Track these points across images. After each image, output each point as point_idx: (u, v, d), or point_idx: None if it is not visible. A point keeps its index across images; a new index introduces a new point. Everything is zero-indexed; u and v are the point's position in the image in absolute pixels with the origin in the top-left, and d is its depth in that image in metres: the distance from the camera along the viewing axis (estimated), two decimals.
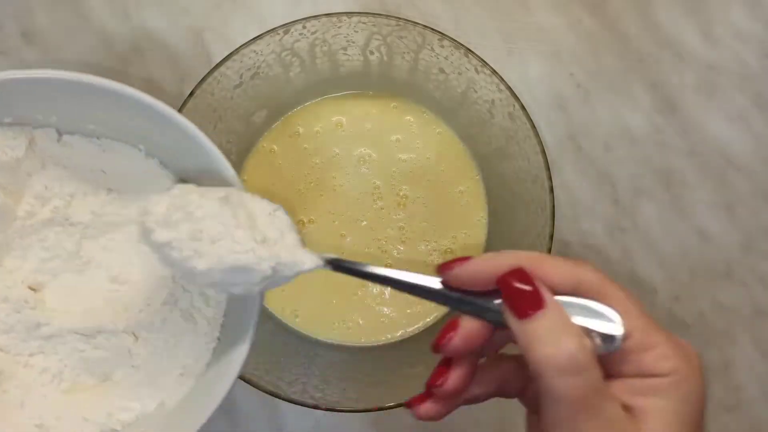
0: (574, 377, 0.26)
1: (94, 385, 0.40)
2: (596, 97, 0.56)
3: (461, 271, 0.29)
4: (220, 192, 0.33)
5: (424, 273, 0.30)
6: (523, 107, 0.47)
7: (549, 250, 0.45)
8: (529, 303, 0.27)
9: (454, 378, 0.31)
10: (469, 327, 0.29)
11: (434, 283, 0.30)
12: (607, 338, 0.27)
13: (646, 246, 0.54)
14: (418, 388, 0.45)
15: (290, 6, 0.56)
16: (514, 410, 0.53)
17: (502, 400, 0.53)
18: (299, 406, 0.45)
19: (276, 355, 0.49)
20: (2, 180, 0.39)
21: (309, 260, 0.32)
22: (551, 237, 0.45)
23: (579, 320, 0.27)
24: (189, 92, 0.47)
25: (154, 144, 0.41)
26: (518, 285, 0.27)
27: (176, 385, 0.40)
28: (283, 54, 0.49)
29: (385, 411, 0.44)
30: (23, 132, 0.39)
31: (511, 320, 0.27)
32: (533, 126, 0.46)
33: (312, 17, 0.47)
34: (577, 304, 0.28)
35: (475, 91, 0.49)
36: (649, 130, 0.55)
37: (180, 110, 0.46)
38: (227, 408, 0.52)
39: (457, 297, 0.29)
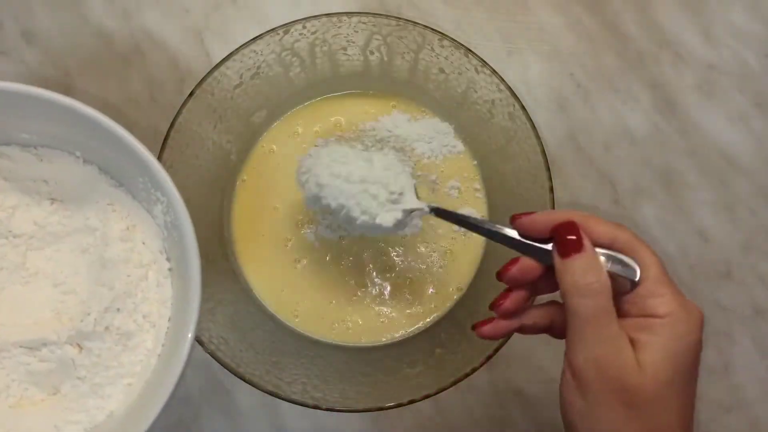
0: (588, 299, 0.33)
1: (43, 399, 0.40)
2: (596, 97, 0.56)
3: (527, 220, 0.37)
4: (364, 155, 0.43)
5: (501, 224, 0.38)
6: (523, 107, 0.47)
7: None
8: (572, 247, 0.35)
9: (512, 298, 0.38)
10: (526, 263, 0.37)
11: (508, 231, 0.38)
12: (626, 282, 0.35)
13: None
14: (418, 388, 0.46)
15: (290, 6, 0.56)
16: (514, 410, 0.53)
17: (502, 400, 0.53)
18: (299, 406, 0.45)
19: (276, 355, 0.49)
20: None
21: (419, 205, 0.42)
22: None
23: (608, 266, 0.35)
24: (189, 92, 0.47)
25: (89, 150, 0.41)
26: (567, 234, 0.35)
27: (124, 394, 0.39)
28: (283, 54, 0.49)
29: (385, 411, 0.44)
30: None
31: (557, 259, 0.35)
32: (533, 126, 0.46)
33: (312, 17, 0.47)
34: (611, 255, 0.35)
35: (475, 91, 0.49)
36: (649, 130, 0.55)
37: (180, 110, 0.46)
38: (227, 408, 0.52)
39: (520, 241, 0.37)
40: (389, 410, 0.45)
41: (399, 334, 0.51)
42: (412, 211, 0.42)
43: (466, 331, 0.49)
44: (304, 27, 0.48)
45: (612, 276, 0.34)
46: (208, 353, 0.44)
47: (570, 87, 0.56)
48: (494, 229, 0.38)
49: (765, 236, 0.54)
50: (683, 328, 0.33)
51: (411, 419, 0.52)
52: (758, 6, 0.57)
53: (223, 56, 0.47)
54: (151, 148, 0.56)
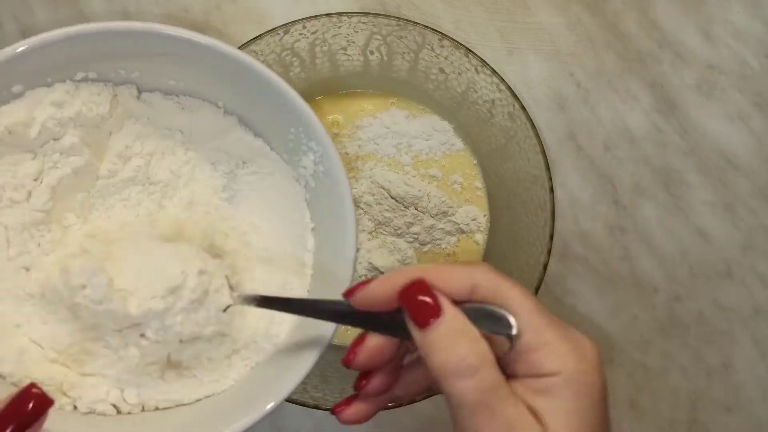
0: (467, 380, 0.27)
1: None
2: (596, 97, 0.56)
3: (363, 294, 0.30)
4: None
5: (332, 299, 0.32)
6: (523, 107, 0.47)
7: (549, 251, 0.45)
8: (427, 313, 0.28)
9: (375, 382, 0.32)
10: (374, 343, 0.31)
11: (342, 306, 0.31)
12: (505, 339, 0.28)
13: (646, 246, 0.54)
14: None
15: (290, 6, 0.56)
16: None
17: None
18: (299, 406, 0.45)
19: None
20: (88, 138, 0.38)
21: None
22: (551, 237, 0.45)
23: (479, 324, 0.28)
24: None
25: (233, 100, 0.40)
26: (418, 296, 0.28)
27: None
28: (283, 54, 0.49)
29: (385, 411, 0.44)
30: (106, 88, 0.39)
31: (414, 331, 0.29)
32: (533, 126, 0.46)
33: (312, 17, 0.47)
34: (478, 309, 0.28)
35: (475, 91, 0.49)
36: (649, 130, 0.55)
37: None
38: None
39: (363, 317, 0.31)
40: (389, 410, 0.45)
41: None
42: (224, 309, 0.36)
43: None
44: (304, 27, 0.48)
45: (486, 336, 0.28)
46: None
47: (570, 87, 0.56)
48: (324, 307, 0.32)
49: (765, 236, 0.54)
50: (582, 380, 0.28)
51: (411, 419, 0.52)
52: (758, 6, 0.57)
53: None
54: None
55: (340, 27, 0.48)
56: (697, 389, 0.53)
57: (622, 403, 0.52)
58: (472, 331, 0.28)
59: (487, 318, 0.28)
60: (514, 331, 0.28)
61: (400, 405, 0.34)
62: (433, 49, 0.48)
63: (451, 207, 0.51)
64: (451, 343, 0.27)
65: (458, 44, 0.47)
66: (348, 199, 0.37)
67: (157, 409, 0.37)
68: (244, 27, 0.56)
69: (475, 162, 0.53)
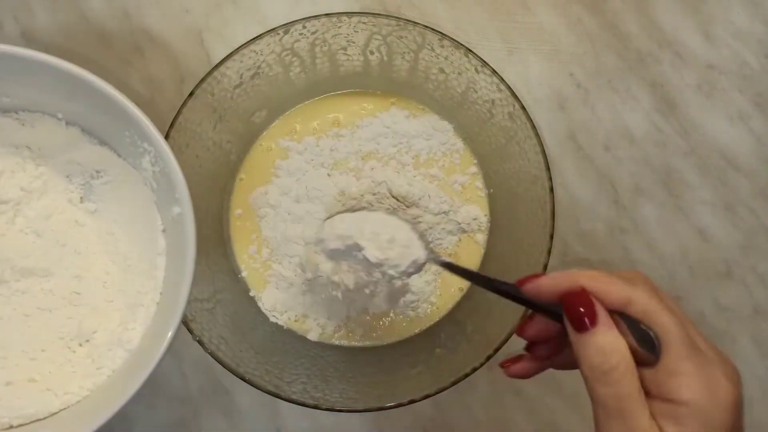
0: (609, 387, 0.30)
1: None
2: (596, 97, 0.56)
3: (532, 287, 0.34)
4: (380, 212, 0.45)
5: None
6: (523, 107, 0.47)
7: (549, 250, 0.45)
8: (584, 320, 0.31)
9: (540, 350, 0.37)
10: (539, 324, 0.36)
11: (514, 289, 0.35)
12: (649, 354, 0.31)
13: (646, 246, 0.54)
14: (418, 388, 0.46)
15: (290, 6, 0.56)
16: (514, 410, 0.53)
17: (502, 400, 0.53)
18: (299, 406, 0.45)
19: (276, 355, 0.49)
20: None
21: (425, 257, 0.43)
22: (551, 237, 0.45)
23: (628, 332, 0.31)
24: (189, 92, 0.47)
25: (71, 110, 0.41)
26: (578, 304, 0.32)
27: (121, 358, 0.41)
28: (283, 54, 0.49)
29: (385, 411, 0.44)
30: None
31: (570, 331, 0.32)
32: (533, 126, 0.46)
33: (312, 17, 0.47)
34: (629, 322, 0.31)
35: (475, 91, 0.49)
36: (649, 130, 0.55)
37: (180, 110, 0.46)
38: (227, 408, 0.52)
39: (532, 303, 0.35)
40: (389, 410, 0.45)
41: (399, 334, 0.51)
42: (423, 263, 0.42)
43: (467, 331, 0.49)
44: (304, 27, 0.48)
45: (631, 347, 0.31)
46: (208, 353, 0.44)
47: (570, 87, 0.56)
48: (504, 288, 0.36)
49: (765, 236, 0.54)
50: (710, 416, 0.30)
51: (411, 419, 0.52)
52: (758, 6, 0.57)
53: (224, 56, 0.47)
54: None
55: (340, 27, 0.48)
56: None
57: None
58: (621, 344, 0.31)
59: (636, 330, 0.31)
60: (657, 351, 0.31)
61: (562, 369, 0.37)
62: (433, 49, 0.48)
63: (452, 206, 0.51)
64: (600, 352, 0.30)
65: (458, 44, 0.47)
66: (185, 196, 0.38)
67: (11, 427, 0.39)
68: (244, 27, 0.56)
69: (475, 162, 0.53)
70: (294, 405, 0.44)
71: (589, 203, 0.55)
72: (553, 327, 0.35)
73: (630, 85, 0.56)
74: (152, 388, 0.47)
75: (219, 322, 0.47)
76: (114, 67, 0.55)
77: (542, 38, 0.56)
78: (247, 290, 0.51)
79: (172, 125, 0.46)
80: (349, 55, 0.51)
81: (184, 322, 0.44)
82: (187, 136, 0.47)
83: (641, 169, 0.55)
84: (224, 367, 0.45)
